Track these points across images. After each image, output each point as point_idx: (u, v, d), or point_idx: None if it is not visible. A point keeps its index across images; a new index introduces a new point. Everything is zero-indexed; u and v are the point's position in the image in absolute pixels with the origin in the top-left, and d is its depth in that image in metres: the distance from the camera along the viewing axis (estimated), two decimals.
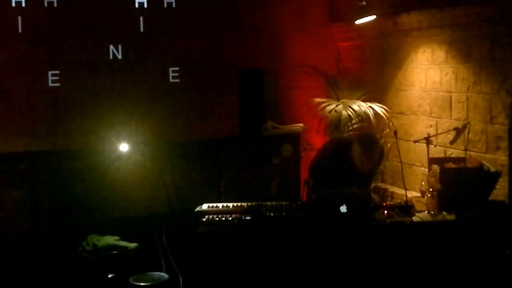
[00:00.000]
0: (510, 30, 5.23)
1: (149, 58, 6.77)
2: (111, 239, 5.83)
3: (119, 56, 6.65)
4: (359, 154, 5.06)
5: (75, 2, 6.48)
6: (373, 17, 6.48)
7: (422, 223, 4.74)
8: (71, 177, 6.14)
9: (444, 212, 4.81)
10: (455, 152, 5.80)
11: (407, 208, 4.92)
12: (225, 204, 5.01)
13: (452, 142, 5.65)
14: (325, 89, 7.29)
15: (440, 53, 6.04)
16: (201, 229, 4.75)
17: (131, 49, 6.69)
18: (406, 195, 5.30)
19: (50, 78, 6.44)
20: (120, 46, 6.66)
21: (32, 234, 6.06)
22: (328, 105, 6.88)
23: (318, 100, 6.95)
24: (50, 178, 6.12)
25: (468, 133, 5.61)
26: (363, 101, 6.85)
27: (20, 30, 6.29)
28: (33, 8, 6.32)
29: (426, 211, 4.89)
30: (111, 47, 6.63)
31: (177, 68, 6.87)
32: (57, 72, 6.45)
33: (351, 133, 6.52)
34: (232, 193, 6.18)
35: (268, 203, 4.96)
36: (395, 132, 5.55)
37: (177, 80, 6.87)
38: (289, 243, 4.66)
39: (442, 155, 5.88)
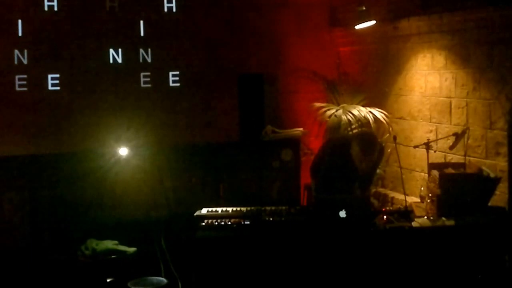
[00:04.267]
0: (509, 36, 5.23)
1: (149, 62, 6.77)
2: (110, 244, 5.83)
3: (119, 60, 6.66)
4: (358, 153, 5.03)
5: (76, 6, 6.48)
6: (373, 22, 6.49)
7: (421, 229, 4.73)
8: (71, 181, 6.14)
9: (443, 218, 4.80)
10: (454, 157, 5.79)
11: (407, 213, 4.91)
12: (224, 209, 5.00)
13: (451, 148, 5.65)
14: (325, 93, 7.29)
15: (439, 59, 6.05)
16: (200, 233, 4.74)
17: (131, 53, 6.70)
18: (406, 201, 5.29)
19: (50, 81, 6.44)
20: (120, 50, 6.66)
21: (31, 238, 6.05)
22: (328, 109, 6.88)
23: (318, 104, 6.95)
24: (49, 182, 6.12)
25: (468, 139, 5.61)
26: (363, 106, 6.86)
27: (20, 34, 6.30)
28: (33, 12, 6.33)
29: (425, 217, 4.89)
30: (111, 51, 6.63)
31: (177, 73, 6.87)
32: (57, 75, 6.45)
33: (349, 133, 6.49)
34: (231, 197, 6.19)
35: (268, 208, 4.96)
36: (395, 137, 5.54)
37: (177, 85, 6.88)
38: (288, 248, 4.65)
39: (442, 160, 5.88)
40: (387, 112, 6.68)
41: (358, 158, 5.05)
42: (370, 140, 5.14)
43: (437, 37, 6.04)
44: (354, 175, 5.18)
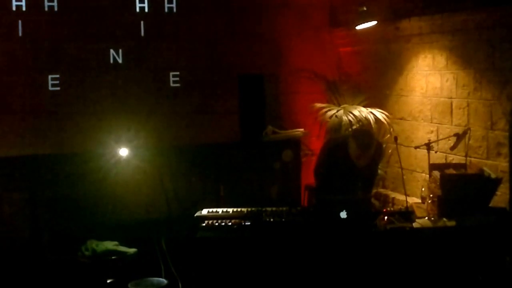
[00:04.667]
0: (509, 36, 5.23)
1: (149, 62, 6.76)
2: (110, 244, 5.81)
3: (120, 60, 6.65)
4: (355, 150, 5.02)
5: (76, 6, 6.47)
6: (374, 22, 6.48)
7: (422, 229, 4.72)
8: (71, 182, 6.13)
9: (444, 219, 4.80)
10: (455, 158, 5.79)
11: (408, 214, 4.90)
12: (224, 210, 4.99)
13: (452, 148, 5.64)
14: (326, 94, 7.28)
15: (440, 59, 6.04)
16: (201, 234, 4.73)
17: (131, 53, 6.69)
18: (407, 201, 5.28)
19: (50, 82, 6.43)
20: (120, 50, 6.65)
21: (31, 239, 6.04)
22: (329, 110, 6.87)
23: (318, 105, 6.94)
24: (50, 183, 6.11)
25: (469, 139, 5.60)
26: (364, 106, 6.85)
27: (20, 34, 6.29)
28: (33, 12, 6.32)
29: (426, 217, 4.88)
30: (112, 51, 6.62)
31: (177, 73, 6.86)
32: (57, 76, 6.44)
33: (347, 132, 6.47)
34: (232, 198, 6.17)
35: (268, 209, 4.95)
36: (396, 138, 5.54)
37: (178, 85, 6.87)
38: (289, 249, 4.64)
39: (443, 161, 5.87)
40: (388, 112, 6.68)
41: (355, 155, 5.03)
42: (365, 135, 5.13)
43: (438, 38, 6.03)
44: (353, 174, 5.16)
